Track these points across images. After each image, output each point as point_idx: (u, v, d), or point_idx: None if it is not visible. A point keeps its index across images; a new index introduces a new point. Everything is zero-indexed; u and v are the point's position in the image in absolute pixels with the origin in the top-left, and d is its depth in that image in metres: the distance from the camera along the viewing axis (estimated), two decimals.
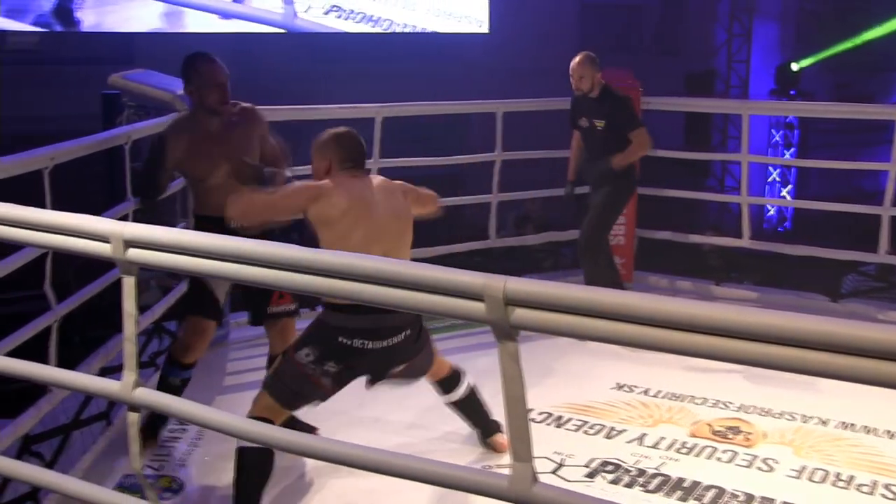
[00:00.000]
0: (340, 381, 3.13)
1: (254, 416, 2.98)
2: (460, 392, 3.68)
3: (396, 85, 8.93)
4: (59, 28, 9.06)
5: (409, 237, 3.31)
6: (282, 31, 9.88)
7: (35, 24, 8.94)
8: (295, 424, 3.67)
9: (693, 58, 13.76)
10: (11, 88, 9.06)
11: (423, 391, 4.42)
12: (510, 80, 9.51)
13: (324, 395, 3.14)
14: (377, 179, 3.32)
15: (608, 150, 5.20)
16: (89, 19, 9.18)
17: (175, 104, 4.59)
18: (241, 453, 2.99)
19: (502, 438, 3.63)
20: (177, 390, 3.74)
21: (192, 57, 3.74)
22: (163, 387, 3.73)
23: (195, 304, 3.81)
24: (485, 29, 10.74)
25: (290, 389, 3.10)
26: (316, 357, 3.06)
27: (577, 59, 5.18)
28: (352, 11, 9.96)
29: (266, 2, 9.68)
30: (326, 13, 9.87)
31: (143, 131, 4.40)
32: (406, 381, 3.47)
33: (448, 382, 3.68)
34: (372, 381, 3.29)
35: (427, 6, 10.45)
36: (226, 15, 9.52)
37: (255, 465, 3.01)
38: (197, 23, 9.52)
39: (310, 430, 3.69)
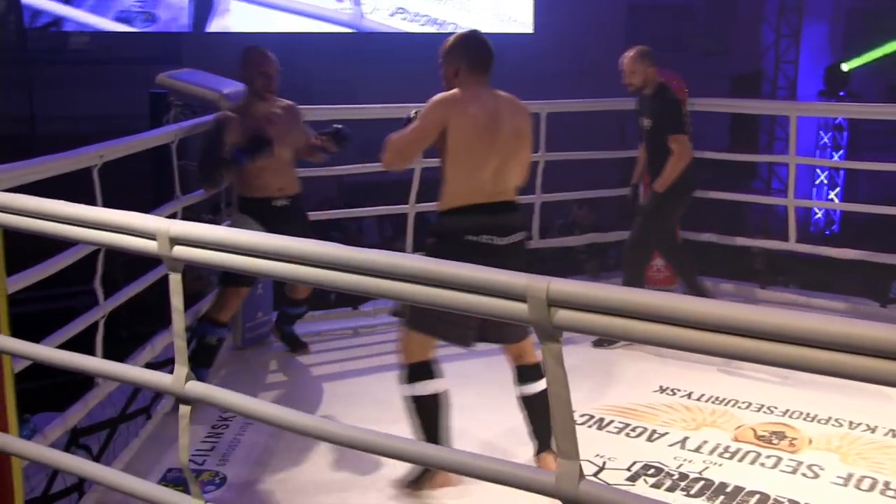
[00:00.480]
0: None
1: (407, 364, 3.27)
2: (537, 387, 3.42)
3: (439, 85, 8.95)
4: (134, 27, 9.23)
5: (527, 159, 3.41)
6: (350, 30, 10.01)
7: (116, 19, 9.14)
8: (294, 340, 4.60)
9: (740, 59, 13.61)
10: (62, 88, 9.23)
11: (464, 389, 4.42)
12: (554, 80, 9.48)
13: (452, 320, 3.19)
14: (504, 94, 3.37)
15: (654, 152, 5.08)
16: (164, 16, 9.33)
17: (220, 103, 4.64)
18: (412, 401, 3.27)
19: (553, 462, 3.36)
20: (213, 349, 4.21)
21: (249, 47, 4.38)
22: (200, 346, 4.19)
23: (230, 273, 4.07)
24: (529, 29, 10.71)
25: (431, 316, 3.12)
26: None
27: (628, 53, 5.03)
28: (416, 14, 10.09)
29: (334, 2, 9.83)
30: (392, 15, 10.05)
31: (190, 130, 4.46)
32: (501, 340, 3.44)
33: (530, 372, 3.46)
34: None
35: (481, 7, 10.50)
36: (296, 12, 9.65)
37: (426, 407, 3.26)
38: (255, 23, 9.63)
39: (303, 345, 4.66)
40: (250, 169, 4.22)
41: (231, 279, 4.22)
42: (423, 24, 10.33)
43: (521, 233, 3.37)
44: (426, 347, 3.29)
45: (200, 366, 4.12)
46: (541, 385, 3.39)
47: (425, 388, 3.27)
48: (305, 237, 3.80)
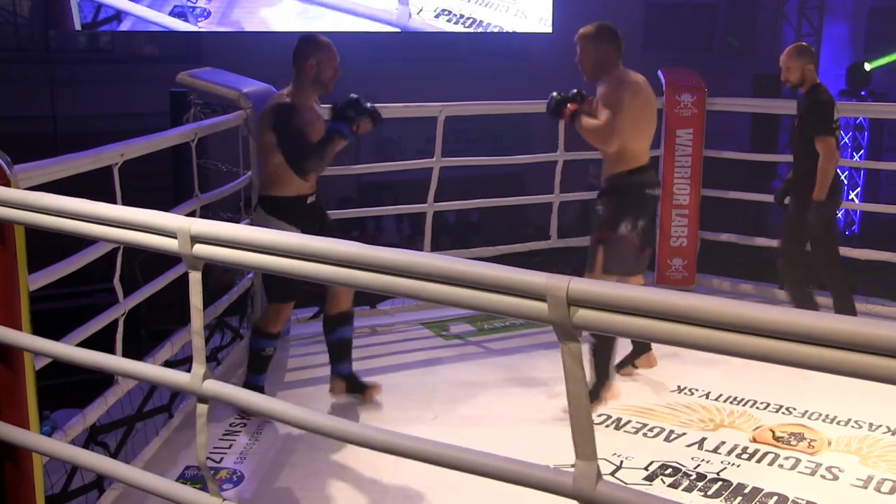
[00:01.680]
0: (646, 240, 4.23)
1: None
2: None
3: (460, 84, 8.96)
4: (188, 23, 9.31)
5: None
6: (396, 30, 10.07)
7: (173, 14, 9.24)
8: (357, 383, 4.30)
9: (761, 58, 13.52)
10: (84, 87, 9.31)
11: (481, 388, 4.42)
12: (573, 79, 9.45)
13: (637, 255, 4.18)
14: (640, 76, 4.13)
15: (799, 152, 4.85)
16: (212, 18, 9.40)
17: (240, 102, 4.66)
18: (592, 347, 4.01)
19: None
20: (267, 359, 4.15)
21: (314, 35, 4.06)
22: (254, 356, 4.13)
23: (276, 293, 4.09)
24: (548, 28, 10.68)
25: (622, 260, 4.07)
26: (632, 223, 4.05)
27: (787, 49, 4.85)
28: (461, 15, 10.16)
29: (382, 2, 9.89)
30: (437, 16, 10.11)
31: (210, 129, 4.48)
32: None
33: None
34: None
35: (518, 8, 10.53)
36: (345, 11, 9.70)
37: (604, 347, 4.05)
38: (301, 20, 9.65)
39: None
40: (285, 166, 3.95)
41: (276, 296, 4.08)
42: (468, 26, 10.39)
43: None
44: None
45: (256, 373, 4.14)
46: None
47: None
48: (334, 233, 3.81)
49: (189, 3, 9.22)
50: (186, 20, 9.23)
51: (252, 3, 9.37)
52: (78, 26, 9.16)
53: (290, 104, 3.93)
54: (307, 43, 3.98)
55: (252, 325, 4.45)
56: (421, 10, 10.08)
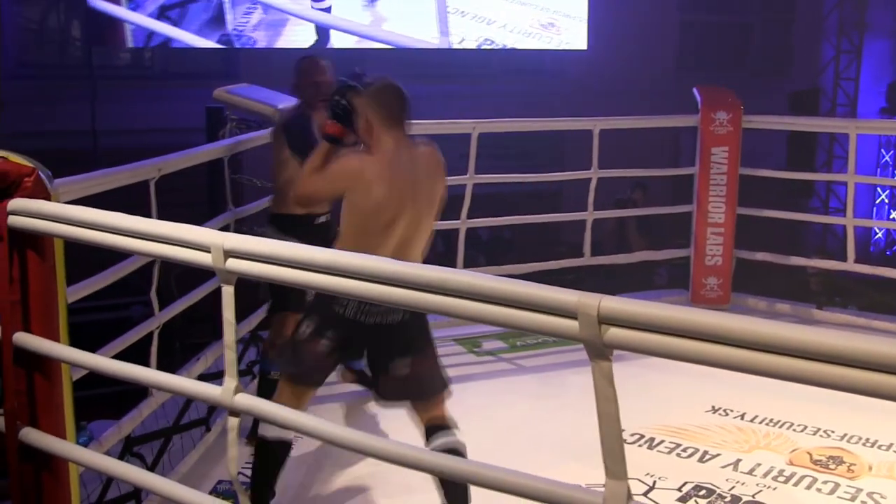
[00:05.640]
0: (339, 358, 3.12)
1: None
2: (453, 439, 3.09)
3: (494, 102, 8.97)
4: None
5: (430, 227, 3.09)
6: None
7: (220, 41, 9.44)
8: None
9: (798, 76, 13.40)
10: (123, 103, 9.44)
11: (512, 405, 4.40)
12: (607, 97, 9.44)
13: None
14: (423, 151, 3.06)
15: None
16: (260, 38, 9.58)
17: (276, 118, 4.70)
18: (263, 442, 3.07)
19: None
20: (274, 384, 3.90)
21: (303, 57, 4.17)
22: (263, 382, 4.01)
23: (285, 303, 3.99)
24: (582, 45, 10.68)
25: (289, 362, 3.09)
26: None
27: None
28: (504, 46, 10.22)
29: (424, 33, 9.97)
30: (479, 46, 10.20)
31: (245, 144, 4.52)
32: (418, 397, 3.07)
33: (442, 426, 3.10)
34: (372, 376, 3.08)
35: (560, 39, 10.58)
36: (388, 42, 9.79)
37: (273, 453, 3.08)
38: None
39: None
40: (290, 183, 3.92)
41: (285, 306, 4.02)
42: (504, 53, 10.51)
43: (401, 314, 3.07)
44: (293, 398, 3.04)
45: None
46: (455, 436, 3.06)
47: (274, 431, 3.05)
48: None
49: (235, 32, 9.39)
50: (233, 46, 9.44)
51: (296, 33, 9.51)
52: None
53: (296, 114, 4.00)
54: (295, 65, 4.10)
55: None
56: (462, 41, 10.13)
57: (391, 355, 3.00)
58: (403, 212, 2.96)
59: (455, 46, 10.06)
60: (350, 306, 2.93)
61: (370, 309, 2.93)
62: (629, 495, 1.59)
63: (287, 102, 4.83)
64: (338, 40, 9.71)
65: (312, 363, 3.01)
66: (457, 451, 3.00)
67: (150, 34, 9.27)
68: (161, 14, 9.24)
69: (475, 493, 3.39)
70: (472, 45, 10.17)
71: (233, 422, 2.12)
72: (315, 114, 3.98)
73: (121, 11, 9.06)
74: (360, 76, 3.53)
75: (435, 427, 3.05)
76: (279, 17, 9.43)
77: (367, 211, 2.93)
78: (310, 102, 4.01)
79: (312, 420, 2.09)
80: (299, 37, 9.54)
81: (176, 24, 9.27)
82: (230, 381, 2.08)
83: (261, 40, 9.46)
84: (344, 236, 3.03)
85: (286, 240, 3.89)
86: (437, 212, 3.11)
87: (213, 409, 4.04)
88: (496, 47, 10.21)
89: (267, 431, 3.06)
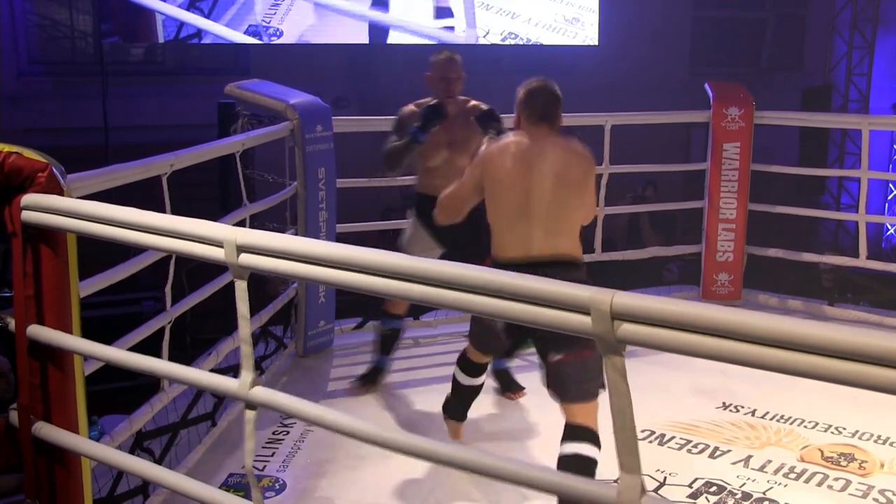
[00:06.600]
0: None
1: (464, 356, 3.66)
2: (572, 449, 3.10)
3: (505, 97, 8.94)
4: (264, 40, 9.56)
5: (574, 212, 3.22)
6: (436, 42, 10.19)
7: (247, 33, 9.50)
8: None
9: (811, 72, 13.35)
10: (135, 99, 9.48)
11: (525, 400, 4.41)
12: (620, 92, 9.41)
13: None
14: (568, 144, 3.29)
15: None
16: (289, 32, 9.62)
17: (287, 113, 4.71)
18: (454, 381, 3.73)
19: None
20: (390, 338, 4.53)
21: (437, 51, 4.36)
22: (380, 336, 4.59)
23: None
24: (594, 41, 10.66)
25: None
26: None
27: None
28: (528, 39, 10.24)
29: (451, 23, 10.03)
30: (503, 39, 10.25)
31: (257, 139, 4.53)
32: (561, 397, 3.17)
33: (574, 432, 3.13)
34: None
35: (576, 31, 10.58)
36: (413, 33, 9.83)
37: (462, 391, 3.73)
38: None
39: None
40: (429, 171, 4.26)
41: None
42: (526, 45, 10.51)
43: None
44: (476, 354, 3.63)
45: (382, 353, 4.58)
46: (577, 447, 3.07)
47: (466, 379, 3.70)
48: (479, 239, 3.77)
49: (263, 24, 9.43)
50: (260, 39, 9.49)
51: (325, 24, 9.52)
52: (161, 41, 9.62)
53: (406, 112, 4.29)
54: (431, 58, 4.31)
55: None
56: (488, 33, 10.17)
57: (548, 343, 3.15)
58: (540, 195, 3.17)
59: (481, 39, 10.12)
60: None
61: None
62: (643, 489, 1.59)
63: (299, 98, 4.84)
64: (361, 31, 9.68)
65: (487, 336, 3.40)
66: (573, 464, 3.00)
67: (181, 25, 9.32)
68: (192, 5, 9.34)
69: (488, 486, 3.40)
70: (497, 39, 10.21)
71: (249, 414, 2.13)
72: (452, 108, 4.21)
73: (153, 2, 9.20)
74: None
75: (567, 432, 3.11)
76: (305, 10, 9.45)
77: (495, 189, 3.23)
78: (437, 95, 4.26)
79: (326, 412, 2.09)
80: (329, 26, 9.55)
81: (206, 15, 9.34)
82: (247, 374, 2.09)
83: (287, 32, 9.49)
84: (491, 226, 3.30)
85: (419, 233, 4.27)
86: (587, 196, 3.30)
87: (220, 405, 4.06)
88: (520, 42, 10.24)
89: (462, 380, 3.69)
